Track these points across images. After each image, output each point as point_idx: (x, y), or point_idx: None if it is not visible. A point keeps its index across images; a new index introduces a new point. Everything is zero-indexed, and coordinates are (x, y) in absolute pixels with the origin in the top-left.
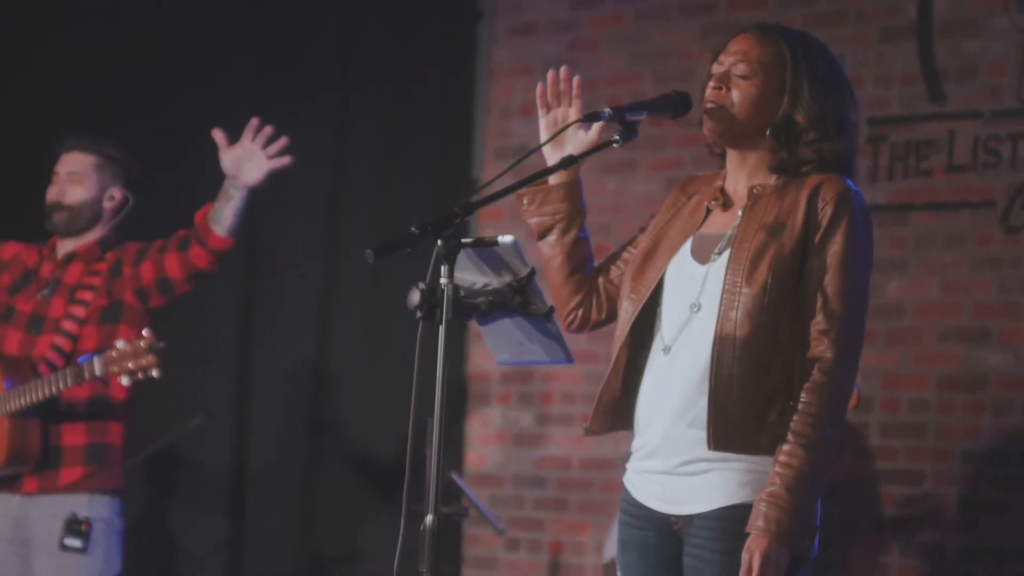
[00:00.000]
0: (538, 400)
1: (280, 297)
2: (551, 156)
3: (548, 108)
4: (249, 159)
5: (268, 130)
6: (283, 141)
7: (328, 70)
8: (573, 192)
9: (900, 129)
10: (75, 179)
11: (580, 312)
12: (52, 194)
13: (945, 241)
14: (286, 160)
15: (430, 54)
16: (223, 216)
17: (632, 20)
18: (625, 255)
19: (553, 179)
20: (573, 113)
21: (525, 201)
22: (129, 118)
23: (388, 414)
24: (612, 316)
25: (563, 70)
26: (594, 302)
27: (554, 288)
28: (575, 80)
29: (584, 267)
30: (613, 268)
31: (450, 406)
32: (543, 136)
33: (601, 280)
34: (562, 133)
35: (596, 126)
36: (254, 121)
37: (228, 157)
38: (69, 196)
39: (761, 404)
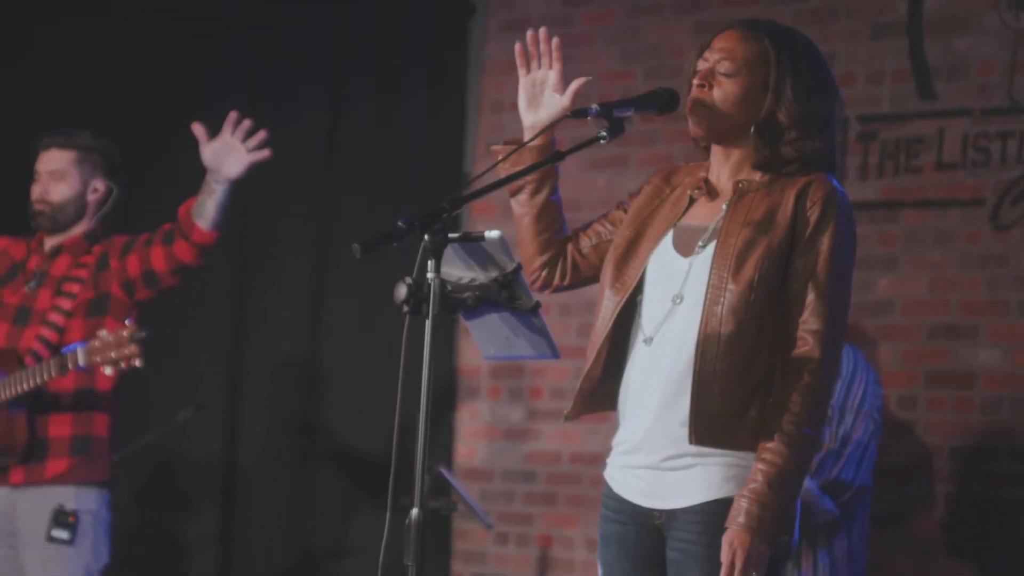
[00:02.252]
0: (528, 395)
1: (271, 291)
2: (526, 116)
3: (528, 69)
4: (229, 153)
5: (247, 123)
6: (262, 134)
7: (319, 64)
8: (546, 155)
9: (890, 126)
10: (56, 177)
11: (544, 273)
12: (35, 193)
13: (935, 238)
14: (266, 153)
15: (422, 49)
16: (205, 210)
17: (624, 16)
18: (599, 228)
19: (530, 139)
20: (553, 76)
21: (500, 158)
22: (114, 110)
23: (378, 409)
24: (574, 284)
25: (542, 31)
26: (559, 267)
27: (521, 245)
28: (554, 42)
29: (553, 229)
30: (584, 238)
31: (440, 400)
32: (520, 97)
33: (570, 248)
34: (538, 94)
35: (570, 92)
36: (233, 114)
37: (209, 151)
38: (52, 194)
39: (742, 400)
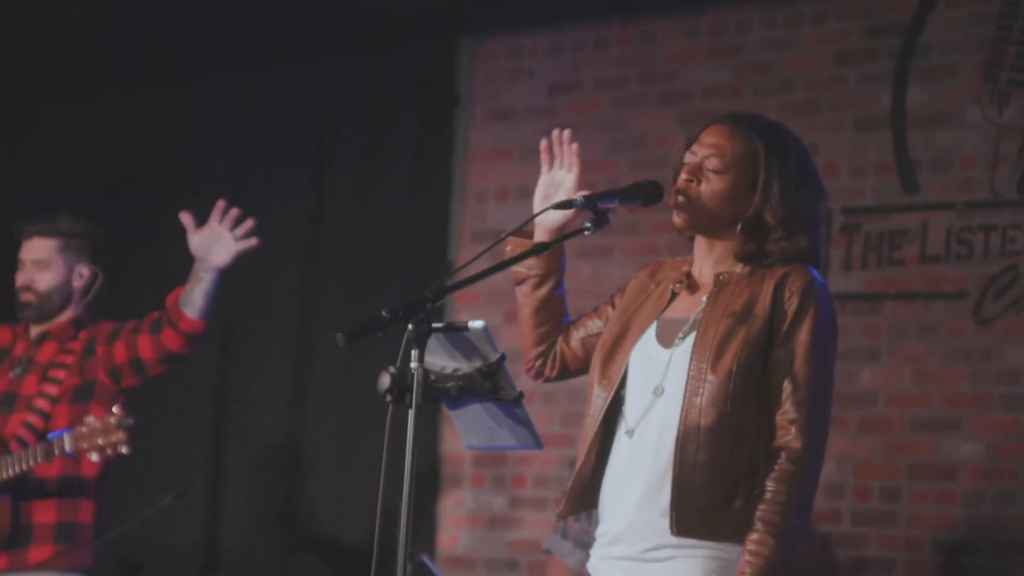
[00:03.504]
0: (511, 483)
1: (254, 378)
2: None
3: (551, 166)
4: (217, 241)
5: (235, 212)
6: (250, 223)
7: (304, 150)
8: (552, 251)
9: (874, 219)
10: (41, 266)
11: (538, 363)
12: (20, 281)
13: (918, 331)
14: (253, 241)
15: (407, 137)
16: (193, 298)
17: (609, 107)
18: (589, 322)
19: (537, 235)
20: (570, 179)
21: (508, 249)
22: (98, 195)
23: (361, 497)
24: (562, 376)
25: (566, 133)
26: (550, 359)
27: (522, 333)
28: (575, 147)
29: (553, 322)
30: (573, 331)
31: (422, 488)
32: (536, 192)
33: (560, 341)
34: (552, 194)
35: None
36: (221, 203)
37: (196, 239)
38: (38, 283)
39: (725, 491)
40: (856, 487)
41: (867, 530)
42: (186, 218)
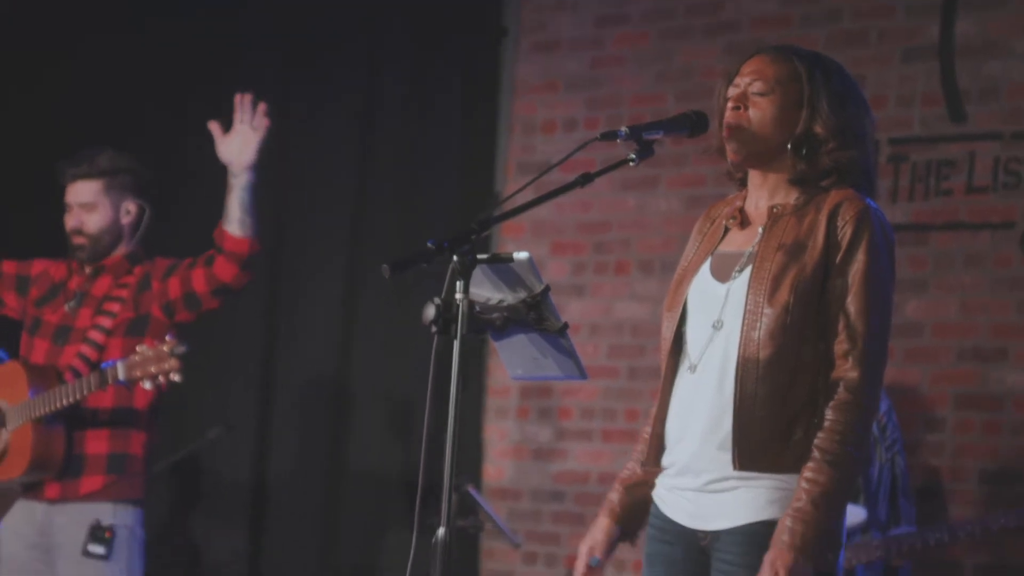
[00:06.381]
0: (557, 415)
1: (301, 311)
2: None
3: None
4: (238, 138)
5: (248, 98)
6: (262, 107)
7: (352, 85)
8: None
9: (921, 149)
10: (88, 208)
11: None
12: (69, 224)
13: (964, 261)
14: (266, 121)
15: (454, 70)
16: (231, 211)
17: (655, 39)
18: None
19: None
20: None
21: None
22: (151, 135)
23: (407, 428)
24: None
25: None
26: None
27: None
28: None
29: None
30: None
31: (469, 419)
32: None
33: None
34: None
35: None
36: (238, 97)
37: (223, 146)
38: (87, 225)
39: (785, 423)
40: (902, 418)
41: (912, 460)
42: (214, 126)
